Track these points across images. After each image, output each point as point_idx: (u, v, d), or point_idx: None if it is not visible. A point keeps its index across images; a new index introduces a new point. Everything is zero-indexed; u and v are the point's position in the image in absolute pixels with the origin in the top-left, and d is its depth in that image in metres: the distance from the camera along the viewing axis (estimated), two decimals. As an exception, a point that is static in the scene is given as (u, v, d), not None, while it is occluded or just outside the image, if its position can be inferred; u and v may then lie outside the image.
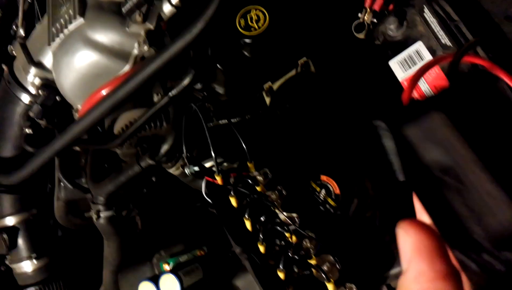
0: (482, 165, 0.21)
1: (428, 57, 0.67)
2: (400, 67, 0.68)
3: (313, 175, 0.63)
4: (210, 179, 0.63)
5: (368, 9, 0.73)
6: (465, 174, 0.21)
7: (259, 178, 0.61)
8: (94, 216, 0.82)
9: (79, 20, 0.79)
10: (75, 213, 0.96)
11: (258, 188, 0.61)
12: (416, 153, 0.23)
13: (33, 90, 0.91)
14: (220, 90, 0.81)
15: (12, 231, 0.97)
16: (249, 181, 0.61)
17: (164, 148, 0.77)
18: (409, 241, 0.24)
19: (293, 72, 0.73)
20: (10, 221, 0.97)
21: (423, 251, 0.23)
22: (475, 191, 0.21)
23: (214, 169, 0.74)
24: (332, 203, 0.61)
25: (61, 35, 0.81)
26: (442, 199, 0.22)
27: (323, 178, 0.62)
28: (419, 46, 0.67)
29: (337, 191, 0.61)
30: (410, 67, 0.68)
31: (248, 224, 0.58)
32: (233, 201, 0.60)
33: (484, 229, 0.21)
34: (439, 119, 0.23)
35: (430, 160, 0.23)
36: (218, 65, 0.80)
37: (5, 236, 0.95)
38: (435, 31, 0.65)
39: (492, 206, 0.20)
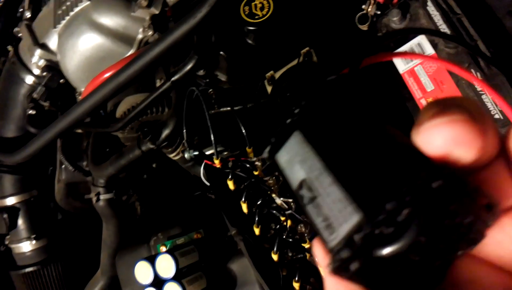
0: (329, 172, 0.20)
1: (429, 50, 0.67)
2: (402, 60, 0.69)
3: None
4: (209, 162, 0.64)
5: (372, 1, 0.73)
6: (317, 184, 0.21)
7: (257, 163, 0.62)
8: (94, 198, 0.83)
9: (85, 3, 0.80)
10: (75, 196, 0.97)
11: (255, 173, 0.61)
12: (287, 177, 0.23)
13: (37, 72, 0.92)
14: (222, 77, 0.82)
15: (12, 211, 0.98)
16: (247, 165, 0.62)
17: (165, 132, 0.77)
18: None
19: (295, 62, 0.74)
20: (11, 201, 0.98)
21: None
22: (326, 200, 0.20)
23: (213, 156, 0.75)
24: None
25: (67, 17, 0.82)
26: (306, 214, 0.22)
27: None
28: (421, 39, 0.67)
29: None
30: (411, 60, 0.68)
31: (244, 207, 0.59)
32: (231, 185, 0.61)
33: (336, 237, 0.19)
34: (297, 138, 0.23)
35: (295, 179, 0.22)
36: (221, 52, 0.80)
37: (5, 215, 0.96)
38: (438, 24, 0.65)
39: (341, 212, 0.19)
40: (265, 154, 0.25)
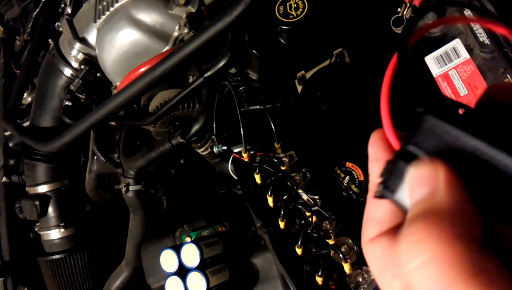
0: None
1: (464, 55, 0.66)
2: (436, 64, 0.68)
3: (338, 162, 0.64)
4: (237, 156, 0.64)
5: (408, 4, 0.73)
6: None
7: (285, 159, 0.62)
8: (123, 189, 0.85)
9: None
10: (105, 187, 0.99)
11: (283, 168, 0.62)
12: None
13: (75, 65, 0.95)
14: (254, 75, 0.83)
15: (43, 199, 1.01)
16: (275, 161, 0.62)
17: (195, 127, 0.79)
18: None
19: (327, 62, 0.74)
20: (43, 189, 1.01)
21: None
22: None
23: (241, 152, 0.76)
24: (355, 189, 0.61)
25: (107, 13, 0.85)
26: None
27: (349, 165, 0.63)
28: (457, 43, 0.67)
29: (361, 178, 0.61)
30: (446, 64, 0.67)
31: (270, 201, 0.59)
32: (258, 178, 0.61)
33: None
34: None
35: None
36: (254, 50, 0.81)
37: (37, 203, 0.99)
38: (474, 28, 0.65)
39: None
40: (378, 191, 0.25)
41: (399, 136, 0.26)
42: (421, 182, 0.22)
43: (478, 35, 0.64)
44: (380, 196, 0.25)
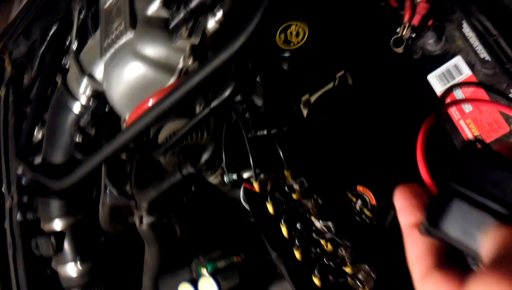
0: None
1: (466, 72, 0.67)
2: (439, 82, 0.69)
3: (349, 185, 0.64)
4: (248, 186, 0.65)
5: (407, 24, 0.74)
6: None
7: (296, 186, 0.63)
8: (137, 222, 0.86)
9: (130, 34, 0.84)
10: (119, 220, 1.00)
11: (294, 196, 0.62)
12: (464, 244, 0.26)
13: (84, 100, 0.97)
14: (259, 102, 0.84)
15: (59, 235, 1.02)
16: (286, 188, 0.63)
17: (205, 157, 0.80)
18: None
19: (330, 85, 0.75)
20: (57, 224, 1.02)
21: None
22: None
23: (252, 179, 0.76)
24: (368, 213, 0.62)
25: (113, 48, 0.87)
26: None
27: (360, 188, 0.63)
28: (458, 60, 0.67)
29: (373, 201, 0.62)
30: (448, 81, 0.68)
31: (284, 230, 0.60)
32: (270, 208, 0.62)
33: None
34: (460, 205, 0.26)
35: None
36: (257, 78, 0.83)
37: (52, 239, 1.01)
38: (474, 45, 0.65)
39: None
40: (424, 226, 0.27)
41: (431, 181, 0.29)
42: (503, 244, 0.24)
43: (479, 51, 0.65)
44: (428, 232, 0.27)
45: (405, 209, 0.29)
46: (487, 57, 0.64)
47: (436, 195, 0.27)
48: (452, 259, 0.27)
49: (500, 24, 0.63)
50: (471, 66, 0.66)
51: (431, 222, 0.26)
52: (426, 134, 0.32)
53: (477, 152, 0.27)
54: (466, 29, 0.67)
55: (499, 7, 0.66)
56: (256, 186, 0.64)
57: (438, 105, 0.33)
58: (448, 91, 0.35)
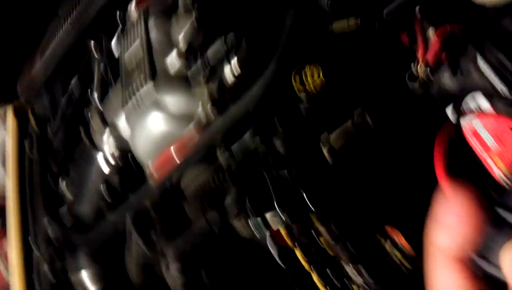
0: None
1: (485, 105, 0.67)
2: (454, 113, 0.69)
3: (377, 227, 0.64)
4: (274, 232, 0.65)
5: (421, 60, 0.75)
6: None
7: (323, 230, 0.63)
8: (166, 273, 0.86)
9: (150, 85, 0.87)
10: (146, 270, 1.00)
11: (322, 240, 0.62)
12: None
13: (107, 150, 0.99)
14: (278, 143, 0.85)
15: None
16: (313, 233, 0.63)
17: (228, 201, 0.81)
18: None
19: (349, 123, 0.76)
20: (85, 274, 1.03)
21: None
22: None
23: (277, 220, 0.77)
24: (399, 256, 0.61)
25: (134, 101, 0.90)
26: None
27: (389, 230, 0.63)
28: (475, 94, 0.68)
29: (404, 243, 0.61)
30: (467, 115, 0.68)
31: (315, 277, 0.60)
32: (298, 253, 0.62)
33: None
34: None
35: None
36: (275, 120, 0.84)
37: None
38: (490, 79, 0.66)
39: None
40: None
41: None
42: None
43: (496, 84, 0.65)
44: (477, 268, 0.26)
45: None
46: (505, 90, 0.64)
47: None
48: None
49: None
50: (489, 99, 0.66)
51: (481, 257, 0.25)
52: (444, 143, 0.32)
53: None
54: (481, 63, 0.68)
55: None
56: (283, 232, 0.64)
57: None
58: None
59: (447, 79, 0.70)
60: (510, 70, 0.63)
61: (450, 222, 0.27)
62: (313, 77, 0.78)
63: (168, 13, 0.95)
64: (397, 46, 0.81)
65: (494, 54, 0.66)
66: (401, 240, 0.64)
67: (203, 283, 0.92)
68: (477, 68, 0.68)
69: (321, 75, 0.78)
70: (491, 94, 0.66)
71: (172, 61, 0.88)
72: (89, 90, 1.19)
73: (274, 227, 0.67)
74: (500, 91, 0.65)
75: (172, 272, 0.87)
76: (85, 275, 1.02)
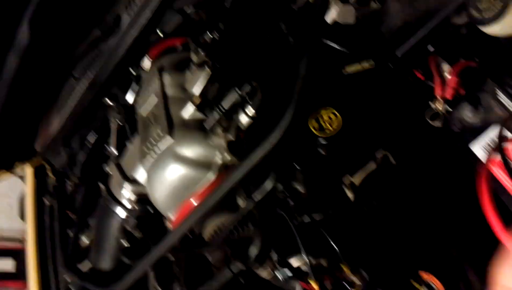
0: None
1: (510, 136, 0.66)
2: (484, 151, 0.68)
3: (412, 273, 0.62)
4: (305, 286, 0.63)
5: (439, 97, 0.74)
6: None
7: (356, 281, 0.61)
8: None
9: (168, 139, 0.87)
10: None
11: (356, 291, 0.60)
12: None
13: (128, 205, 0.98)
14: (300, 188, 0.84)
15: None
16: (346, 285, 0.61)
17: (253, 251, 0.79)
18: None
19: (373, 166, 0.75)
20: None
21: None
22: None
23: (304, 268, 0.74)
24: (437, 303, 0.58)
25: (152, 153, 0.90)
26: None
27: (424, 275, 0.60)
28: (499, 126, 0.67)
29: (440, 287, 0.59)
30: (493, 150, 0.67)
31: (351, 332, 0.57)
32: (334, 308, 0.60)
33: None
34: None
35: None
36: (296, 165, 0.83)
37: None
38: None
39: None
40: None
41: None
42: None
43: (521, 118, 0.64)
44: None
45: None
46: (531, 123, 0.63)
47: None
48: None
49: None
50: (514, 131, 0.65)
51: None
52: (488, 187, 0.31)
53: None
54: (501, 96, 0.67)
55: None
56: (314, 285, 0.62)
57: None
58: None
59: (468, 114, 0.69)
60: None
61: None
62: (331, 121, 0.78)
63: (181, 65, 0.96)
64: (412, 85, 0.81)
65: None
66: (436, 284, 0.62)
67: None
68: (498, 102, 0.67)
69: (339, 119, 0.78)
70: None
71: (188, 113, 0.89)
72: (106, 145, 1.20)
73: (304, 279, 0.64)
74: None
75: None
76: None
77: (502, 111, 0.67)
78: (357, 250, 0.66)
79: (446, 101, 0.72)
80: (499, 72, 0.68)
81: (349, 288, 0.60)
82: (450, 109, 0.71)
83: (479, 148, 0.67)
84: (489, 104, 0.68)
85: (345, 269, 0.62)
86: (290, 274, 0.68)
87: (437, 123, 0.73)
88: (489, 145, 0.66)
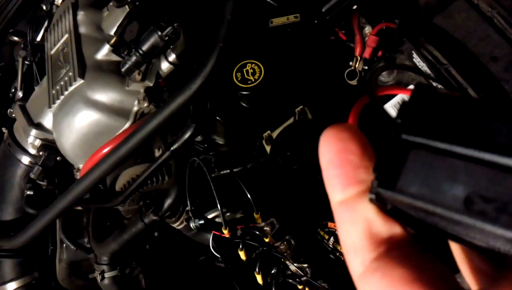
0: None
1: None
2: (395, 111, 0.70)
3: (320, 223, 0.63)
4: (217, 233, 0.63)
5: (359, 58, 0.76)
6: (499, 189, 0.19)
7: (267, 228, 0.61)
8: (99, 277, 0.81)
9: (79, 82, 0.81)
10: (78, 274, 0.94)
11: (266, 240, 0.61)
12: (429, 206, 0.19)
13: (33, 152, 0.91)
14: (220, 140, 0.82)
15: (13, 297, 0.94)
16: (257, 232, 0.61)
17: (168, 202, 0.77)
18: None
19: (291, 120, 0.75)
20: (12, 286, 0.94)
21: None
22: None
23: (218, 220, 0.74)
24: (342, 250, 0.61)
25: (62, 97, 0.83)
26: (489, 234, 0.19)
27: (331, 225, 0.62)
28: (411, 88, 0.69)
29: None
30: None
31: (259, 278, 0.58)
32: (242, 255, 0.60)
33: None
34: (420, 156, 0.20)
35: (451, 201, 0.19)
36: (217, 117, 0.82)
37: (6, 302, 0.93)
38: (426, 74, 0.68)
39: None
40: (373, 192, 0.20)
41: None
42: None
43: (431, 80, 0.67)
44: (379, 200, 0.20)
45: (336, 177, 0.21)
46: (439, 86, 0.66)
47: (385, 150, 0.20)
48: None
49: (448, 52, 0.66)
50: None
51: (384, 184, 0.19)
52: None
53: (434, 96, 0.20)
54: (417, 59, 0.69)
55: (445, 36, 0.69)
56: (226, 232, 0.62)
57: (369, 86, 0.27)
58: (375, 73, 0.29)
59: (384, 76, 0.71)
60: (445, 66, 0.65)
61: None
62: (254, 74, 0.77)
63: (98, 5, 0.89)
64: (334, 44, 0.82)
65: (430, 50, 0.68)
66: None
67: (139, 287, 0.88)
68: (412, 63, 0.69)
69: (262, 72, 0.76)
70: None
71: (102, 53, 0.82)
72: (12, 88, 1.10)
73: (217, 228, 0.64)
74: (434, 86, 0.67)
75: (106, 282, 0.81)
76: (11, 288, 0.94)
77: (415, 74, 0.69)
78: (269, 200, 0.66)
79: (364, 60, 0.74)
80: (417, 35, 0.70)
81: (259, 235, 0.60)
82: (366, 68, 0.73)
83: (390, 106, 0.70)
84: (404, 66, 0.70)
85: (257, 218, 0.62)
86: (202, 222, 0.67)
87: (353, 82, 0.74)
88: (399, 104, 0.69)
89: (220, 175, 0.80)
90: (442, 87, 0.65)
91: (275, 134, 0.77)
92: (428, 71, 0.66)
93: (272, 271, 0.58)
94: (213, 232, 0.63)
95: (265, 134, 0.78)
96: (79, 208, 0.89)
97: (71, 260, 0.90)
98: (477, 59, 0.66)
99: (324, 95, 0.77)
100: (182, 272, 0.89)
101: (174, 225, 0.78)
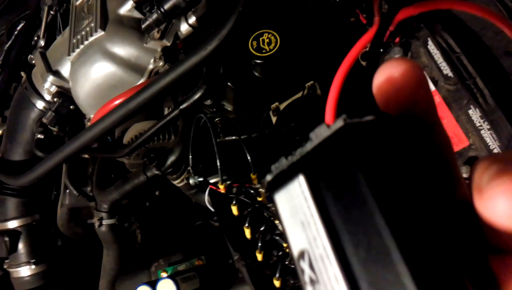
0: (338, 260, 0.16)
1: (430, 87, 0.69)
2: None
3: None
4: (214, 188, 0.65)
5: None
6: (320, 267, 0.17)
7: (261, 190, 0.63)
8: (97, 223, 0.84)
9: (100, 33, 0.83)
10: (77, 221, 0.97)
11: (259, 199, 0.62)
12: (284, 229, 0.19)
13: (48, 97, 0.94)
14: (229, 107, 0.84)
15: (13, 235, 0.98)
16: (251, 191, 0.63)
17: (171, 159, 0.79)
18: None
19: (299, 94, 0.76)
20: (13, 224, 0.98)
21: None
22: None
23: (218, 183, 0.76)
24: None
25: (81, 46, 0.85)
26: None
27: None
28: (422, 76, 0.70)
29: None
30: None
31: (247, 233, 0.59)
32: (234, 210, 0.62)
33: None
34: (302, 186, 0.18)
35: (295, 241, 0.18)
36: (229, 83, 0.83)
37: (6, 238, 0.96)
38: (438, 62, 0.68)
39: None
40: (265, 183, 0.20)
41: None
42: None
43: (442, 68, 0.68)
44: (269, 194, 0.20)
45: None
46: (450, 74, 0.66)
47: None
48: None
49: (462, 42, 0.66)
50: (435, 81, 0.68)
51: (271, 185, 0.19)
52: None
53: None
54: (431, 46, 0.70)
55: (462, 26, 0.69)
56: (222, 188, 0.63)
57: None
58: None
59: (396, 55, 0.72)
60: (457, 54, 0.66)
61: None
62: (270, 44, 0.78)
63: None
64: (353, 26, 0.82)
65: (445, 38, 0.68)
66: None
67: (135, 240, 0.90)
68: (427, 51, 0.70)
69: (278, 42, 0.77)
70: (436, 77, 0.68)
71: (127, 10, 0.84)
72: (36, 35, 1.12)
73: (215, 185, 0.66)
74: (445, 74, 0.67)
75: (103, 229, 0.84)
76: (12, 224, 0.97)
77: (428, 60, 0.69)
78: (268, 167, 0.67)
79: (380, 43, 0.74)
80: (434, 22, 0.71)
81: (253, 194, 0.62)
82: (382, 51, 0.73)
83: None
84: (418, 51, 0.70)
85: (253, 178, 0.64)
86: (201, 179, 0.69)
87: (364, 63, 0.75)
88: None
89: (225, 141, 0.81)
90: (452, 76, 0.65)
91: (282, 106, 0.78)
92: (441, 58, 0.66)
93: (261, 228, 0.59)
94: (210, 186, 0.65)
95: (273, 105, 0.79)
96: (86, 156, 0.92)
97: (72, 206, 0.93)
98: (490, 52, 0.66)
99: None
100: (178, 228, 0.91)
101: (175, 182, 0.80)
